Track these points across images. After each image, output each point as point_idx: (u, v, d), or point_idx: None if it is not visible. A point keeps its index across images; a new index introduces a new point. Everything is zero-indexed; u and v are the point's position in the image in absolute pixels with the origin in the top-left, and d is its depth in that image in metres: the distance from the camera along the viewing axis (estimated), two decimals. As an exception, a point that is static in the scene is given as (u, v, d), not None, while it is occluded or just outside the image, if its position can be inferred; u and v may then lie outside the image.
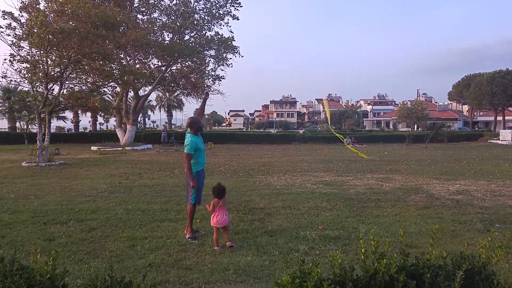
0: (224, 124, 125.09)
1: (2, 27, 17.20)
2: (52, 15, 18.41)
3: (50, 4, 20.23)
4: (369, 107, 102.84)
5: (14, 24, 18.99)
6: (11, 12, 19.73)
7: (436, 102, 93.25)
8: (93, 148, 27.17)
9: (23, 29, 18.56)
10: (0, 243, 5.33)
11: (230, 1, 31.14)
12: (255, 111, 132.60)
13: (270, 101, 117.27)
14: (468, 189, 9.86)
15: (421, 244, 5.23)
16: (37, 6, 19.41)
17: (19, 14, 19.86)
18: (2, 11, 19.58)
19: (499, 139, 37.44)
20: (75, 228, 6.17)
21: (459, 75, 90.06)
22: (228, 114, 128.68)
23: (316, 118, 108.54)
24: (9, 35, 17.64)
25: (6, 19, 19.47)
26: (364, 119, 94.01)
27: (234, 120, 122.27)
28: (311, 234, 5.78)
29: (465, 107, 76.80)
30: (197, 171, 5.78)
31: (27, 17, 18.93)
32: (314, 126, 79.18)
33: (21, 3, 19.74)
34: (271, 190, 9.81)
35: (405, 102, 43.32)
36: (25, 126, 36.52)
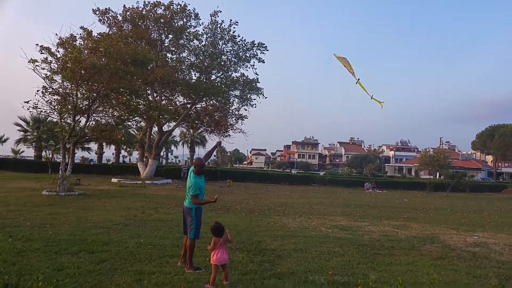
0: (245, 162, 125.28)
1: (38, 61, 18.05)
2: (86, 51, 19.33)
3: (85, 41, 21.34)
4: (391, 153, 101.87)
5: (50, 58, 20.01)
6: (48, 47, 20.86)
7: (459, 151, 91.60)
8: (114, 180, 27.63)
9: (58, 63, 19.51)
10: (10, 271, 5.41)
11: (256, 44, 32.15)
12: (277, 150, 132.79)
13: (292, 141, 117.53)
14: (486, 241, 9.57)
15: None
16: (74, 43, 20.49)
17: (56, 50, 20.99)
18: (40, 46, 20.69)
19: (525, 191, 36.31)
20: (85, 259, 6.24)
21: (484, 125, 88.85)
22: (250, 153, 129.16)
23: (337, 160, 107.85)
24: (44, 68, 18.49)
25: (43, 53, 20.56)
26: (385, 164, 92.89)
27: (256, 158, 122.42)
28: (320, 279, 5.69)
29: (489, 157, 75.19)
30: (197, 207, 6.16)
31: (63, 52, 19.92)
32: (335, 169, 78.52)
33: (59, 39, 20.88)
34: (284, 231, 9.74)
35: (427, 150, 42.76)
36: (51, 155, 37.46)
